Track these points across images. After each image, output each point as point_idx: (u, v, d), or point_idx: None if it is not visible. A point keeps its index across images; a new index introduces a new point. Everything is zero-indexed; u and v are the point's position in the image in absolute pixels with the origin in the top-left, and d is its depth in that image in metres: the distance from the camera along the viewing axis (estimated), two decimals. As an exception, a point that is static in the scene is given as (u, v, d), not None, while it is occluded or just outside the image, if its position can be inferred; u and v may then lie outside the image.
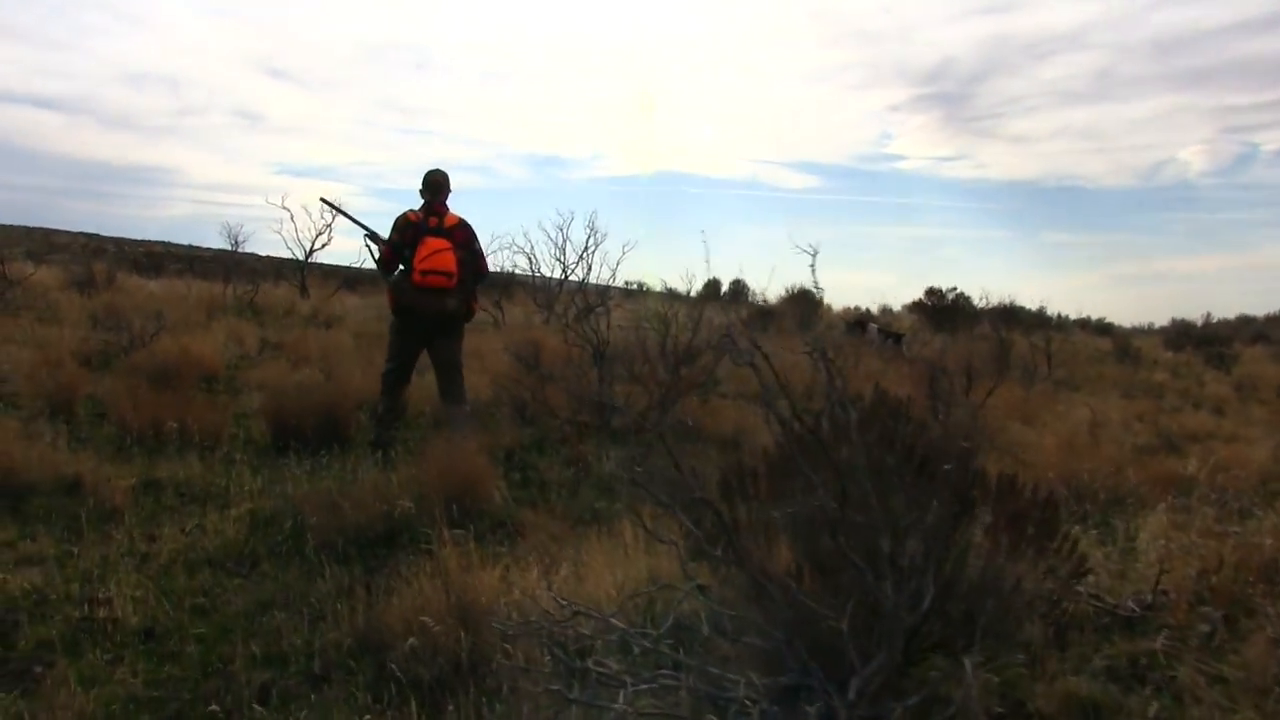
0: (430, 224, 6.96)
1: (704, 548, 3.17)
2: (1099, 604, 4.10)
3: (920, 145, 73.20)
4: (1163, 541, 4.67)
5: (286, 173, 79.04)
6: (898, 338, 17.69)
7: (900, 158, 69.79)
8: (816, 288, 29.92)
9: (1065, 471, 6.90)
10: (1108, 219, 64.63)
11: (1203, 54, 57.17)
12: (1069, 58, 61.97)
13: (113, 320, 12.23)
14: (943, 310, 23.93)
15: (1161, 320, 29.91)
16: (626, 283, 21.12)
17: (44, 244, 37.86)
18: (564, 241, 19.08)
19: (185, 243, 41.98)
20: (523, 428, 7.90)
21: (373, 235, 7.17)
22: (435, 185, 7.14)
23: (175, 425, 6.86)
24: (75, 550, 4.79)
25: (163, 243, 44.96)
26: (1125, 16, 57.94)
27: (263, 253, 30.59)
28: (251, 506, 5.61)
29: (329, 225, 21.20)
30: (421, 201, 7.15)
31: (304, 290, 19.84)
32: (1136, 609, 4.11)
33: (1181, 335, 27.33)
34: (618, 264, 20.86)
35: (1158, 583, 4.22)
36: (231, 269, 19.96)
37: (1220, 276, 56.17)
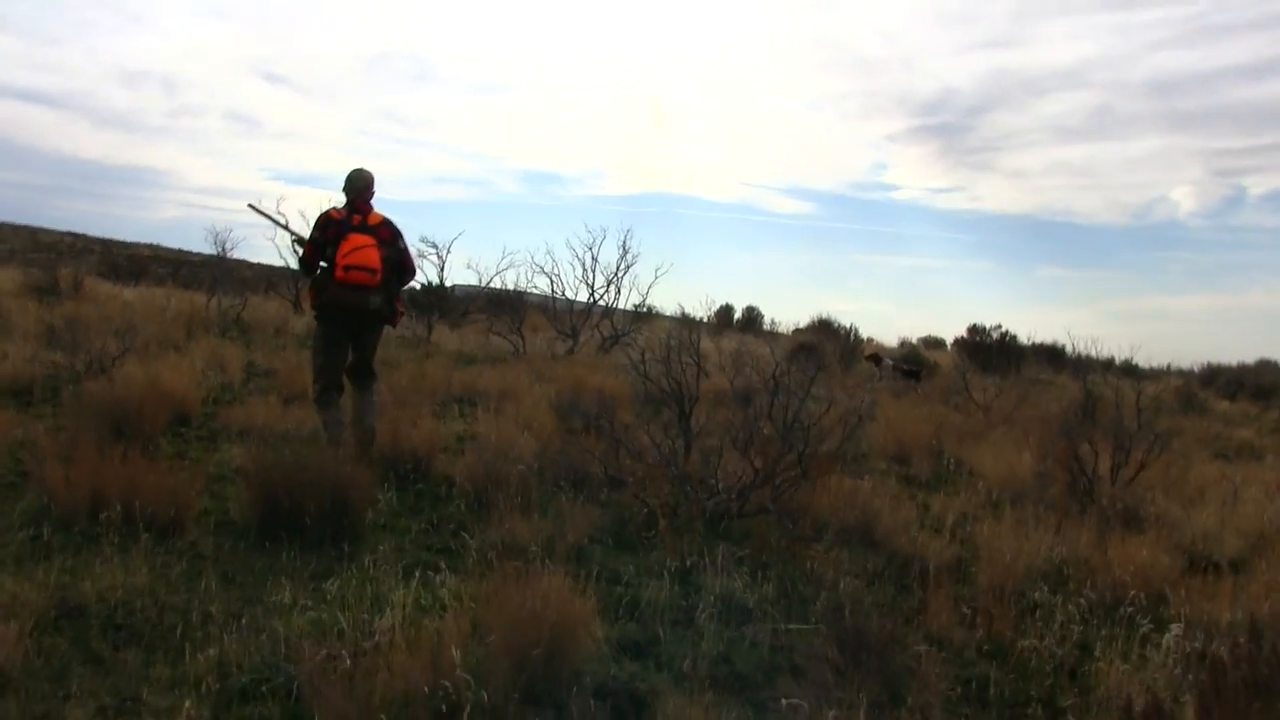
0: (354, 221, 6.77)
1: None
2: None
3: (916, 176, 71.96)
4: None
5: (281, 179, 76.82)
6: (915, 373, 16.26)
7: (895, 187, 68.48)
8: (848, 331, 28.26)
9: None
10: (1101, 255, 63.61)
11: (1196, 96, 56.21)
12: (1067, 95, 60.85)
13: (71, 336, 10.25)
14: (988, 349, 22.05)
15: (1155, 358, 27.78)
16: (635, 306, 19.14)
17: (30, 242, 36.03)
18: (594, 263, 17.22)
19: (175, 246, 39.89)
20: (584, 504, 5.95)
21: (299, 239, 7.10)
22: (359, 183, 6.95)
23: (121, 504, 4.91)
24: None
25: (151, 245, 42.95)
26: (1124, 56, 56.80)
27: (254, 259, 28.45)
28: (219, 656, 3.66)
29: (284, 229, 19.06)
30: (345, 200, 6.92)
31: (297, 305, 17.84)
32: None
33: (1216, 379, 25.48)
34: (649, 288, 18.37)
35: None
36: (219, 278, 17.91)
37: (1209, 317, 55.12)
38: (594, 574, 4.99)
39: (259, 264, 26.80)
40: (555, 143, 73.47)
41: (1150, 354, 19.44)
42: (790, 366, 14.83)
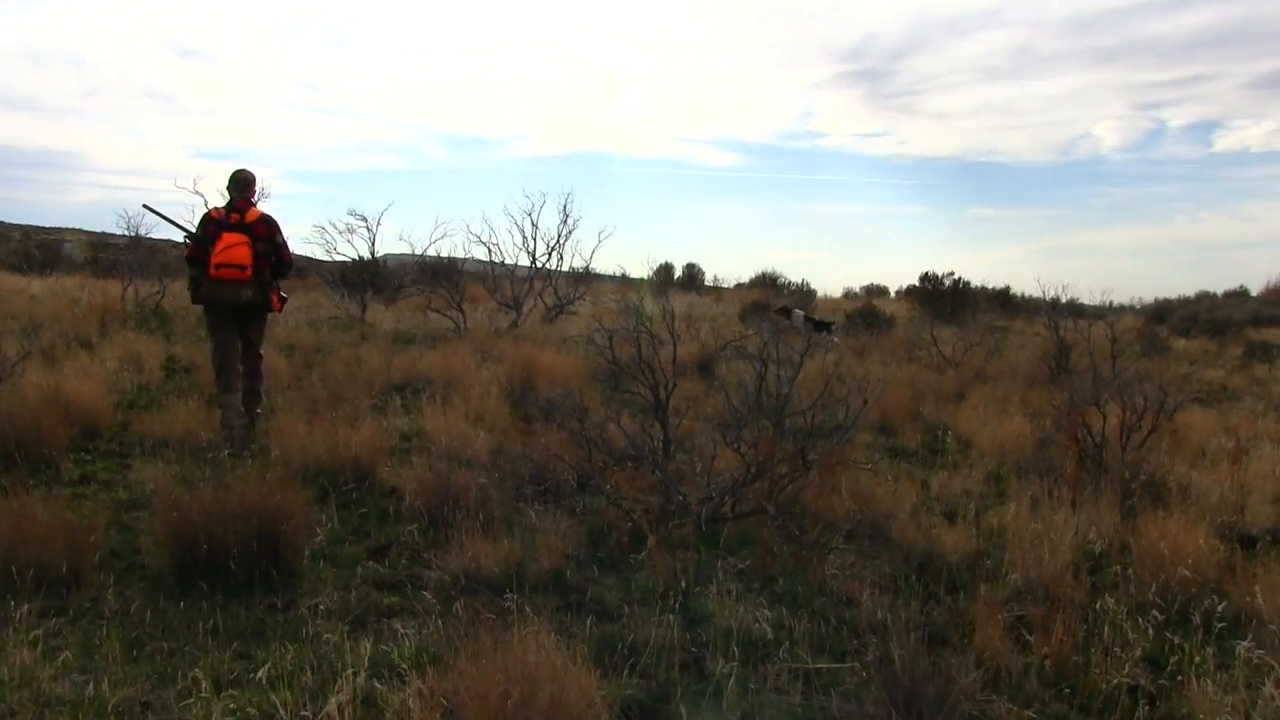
0: (231, 220, 7.26)
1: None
2: None
3: (843, 122, 71.47)
4: None
5: (202, 155, 73.86)
6: (827, 326, 15.58)
7: (823, 134, 67.86)
8: (798, 285, 27.60)
9: None
10: (1028, 194, 63.85)
11: (1115, 31, 56.23)
12: (988, 35, 60.54)
13: (-36, 342, 9.20)
14: (941, 296, 21.54)
15: (1090, 294, 27.30)
16: (572, 268, 18.20)
17: (-59, 232, 34.12)
18: (534, 229, 16.37)
19: (98, 229, 38.00)
20: (554, 516, 5.18)
21: (191, 236, 7.43)
22: (240, 183, 7.45)
23: (1, 557, 4.07)
24: None
25: (73, 230, 41.03)
26: (1043, -7, 56.69)
27: (181, 238, 26.89)
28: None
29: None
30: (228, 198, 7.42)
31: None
32: None
33: (1168, 316, 25.33)
34: (592, 253, 17.46)
35: None
36: (135, 265, 16.66)
37: (1136, 250, 55.63)
38: (577, 606, 4.26)
39: (186, 244, 25.27)
40: (480, 106, 71.75)
41: (1083, 290, 18.98)
42: (750, 330, 14.19)
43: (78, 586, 4.26)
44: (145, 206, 8.53)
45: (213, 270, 7.10)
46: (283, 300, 7.59)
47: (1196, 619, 4.28)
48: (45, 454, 6.19)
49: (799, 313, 16.04)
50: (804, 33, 62.97)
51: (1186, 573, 4.50)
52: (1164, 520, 5.25)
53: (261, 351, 7.64)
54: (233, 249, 7.10)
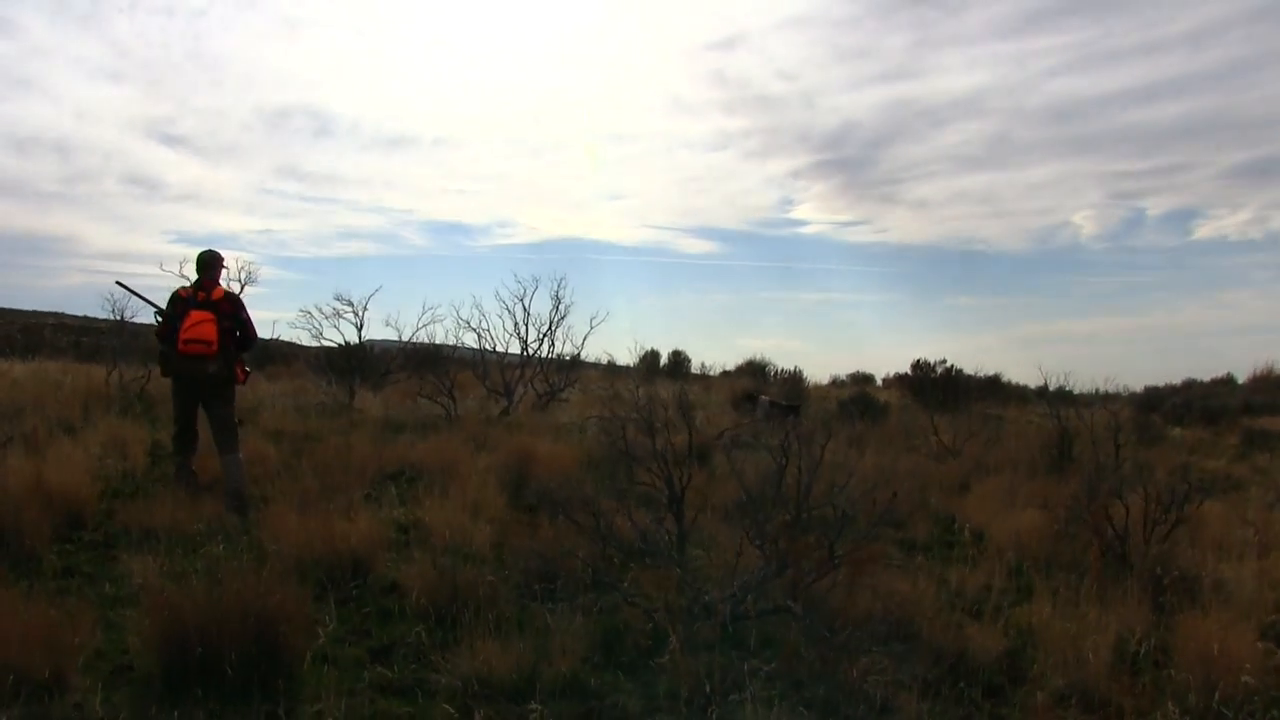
0: (198, 298, 7.72)
1: None
2: None
3: (822, 210, 72.03)
4: None
5: (184, 241, 73.49)
6: (794, 409, 15.38)
7: (803, 223, 68.33)
8: (791, 373, 27.41)
9: None
10: (1006, 282, 64.08)
11: (1092, 121, 57.22)
12: (966, 124, 61.45)
13: (-57, 428, 8.91)
14: (933, 384, 21.40)
15: (1068, 382, 27.34)
16: (559, 355, 17.90)
17: (-75, 318, 33.71)
18: (525, 315, 16.22)
19: (80, 313, 37.65)
20: (566, 615, 4.91)
21: (160, 313, 7.82)
22: (207, 264, 7.95)
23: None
24: None
25: (55, 314, 40.66)
26: (1020, 84, 57.62)
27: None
28: None
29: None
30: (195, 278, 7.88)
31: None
32: None
33: (1160, 404, 25.24)
34: (584, 339, 17.16)
35: None
36: (119, 349, 16.35)
37: (1114, 339, 55.86)
38: (598, 715, 3.99)
39: (156, 321, 25.00)
40: (461, 194, 72.07)
41: (1064, 378, 18.88)
42: (748, 419, 14.01)
43: (60, 693, 3.97)
44: (119, 284, 8.75)
45: (181, 345, 7.52)
46: (246, 373, 7.99)
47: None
48: (27, 545, 5.89)
49: (764, 399, 15.86)
50: (781, 122, 63.84)
51: (1249, 679, 4.26)
52: (1202, 620, 5.04)
53: (235, 419, 7.95)
54: (199, 325, 7.54)
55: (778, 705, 4.05)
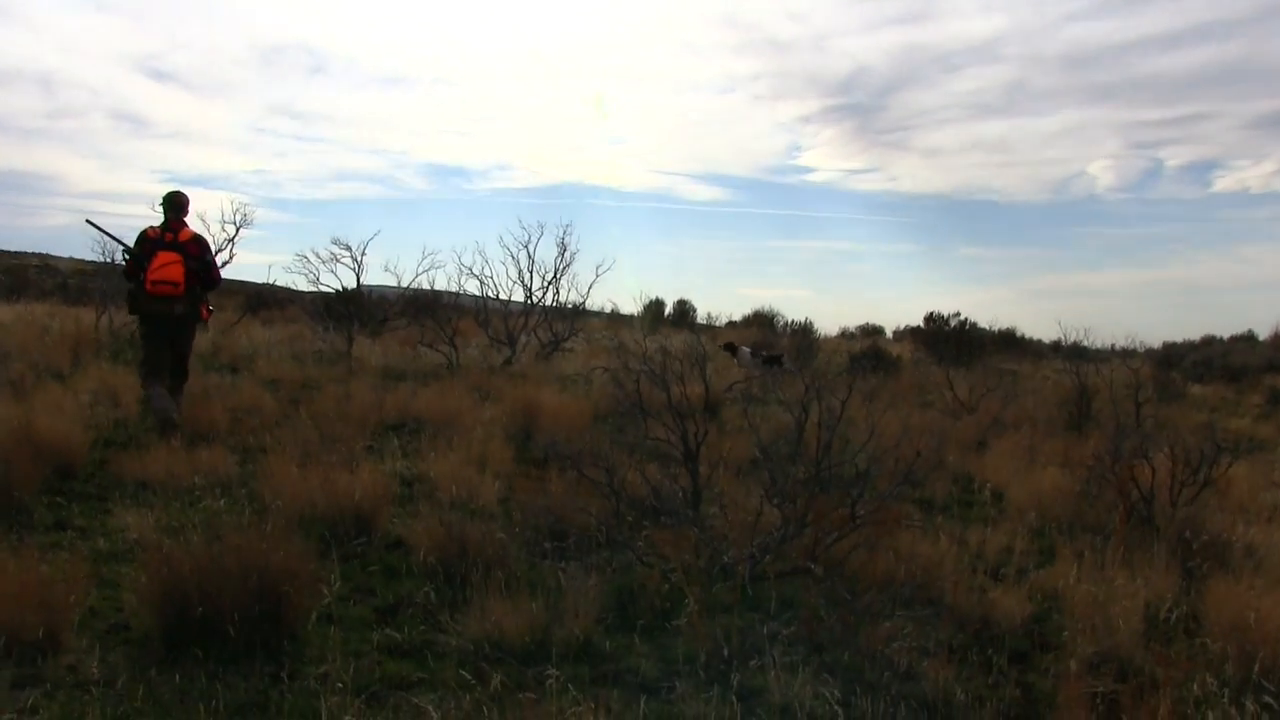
0: (166, 239, 7.93)
1: None
2: None
3: (831, 158, 71.19)
4: None
5: (173, 180, 72.43)
6: (778, 359, 15.11)
7: (811, 170, 67.52)
8: (801, 324, 27.15)
9: None
10: (1021, 233, 63.43)
11: (1112, 69, 56.25)
12: (981, 70, 60.48)
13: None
14: (946, 338, 21.06)
15: (1085, 336, 27.09)
16: (559, 302, 17.59)
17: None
18: (530, 261, 15.93)
19: (67, 255, 37.15)
20: (578, 574, 4.74)
21: (129, 252, 8.01)
22: (174, 204, 8.16)
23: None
24: None
25: (40, 255, 40.13)
26: (1038, 29, 56.62)
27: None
28: None
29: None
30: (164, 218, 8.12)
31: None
32: None
33: (1179, 361, 24.91)
34: (589, 288, 16.81)
35: None
36: (109, 291, 16.03)
37: (1131, 292, 55.27)
38: (614, 678, 3.83)
39: (125, 260, 24.48)
40: (460, 136, 71.07)
41: (1075, 332, 18.57)
42: (757, 372, 13.80)
43: (54, 653, 3.79)
44: (89, 221, 8.70)
45: (149, 286, 7.78)
46: (210, 312, 8.41)
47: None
48: (15, 497, 5.68)
49: (745, 350, 15.57)
50: (791, 65, 62.86)
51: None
52: (1234, 586, 4.88)
53: (189, 361, 8.48)
54: (167, 267, 7.78)
55: (801, 671, 3.88)
